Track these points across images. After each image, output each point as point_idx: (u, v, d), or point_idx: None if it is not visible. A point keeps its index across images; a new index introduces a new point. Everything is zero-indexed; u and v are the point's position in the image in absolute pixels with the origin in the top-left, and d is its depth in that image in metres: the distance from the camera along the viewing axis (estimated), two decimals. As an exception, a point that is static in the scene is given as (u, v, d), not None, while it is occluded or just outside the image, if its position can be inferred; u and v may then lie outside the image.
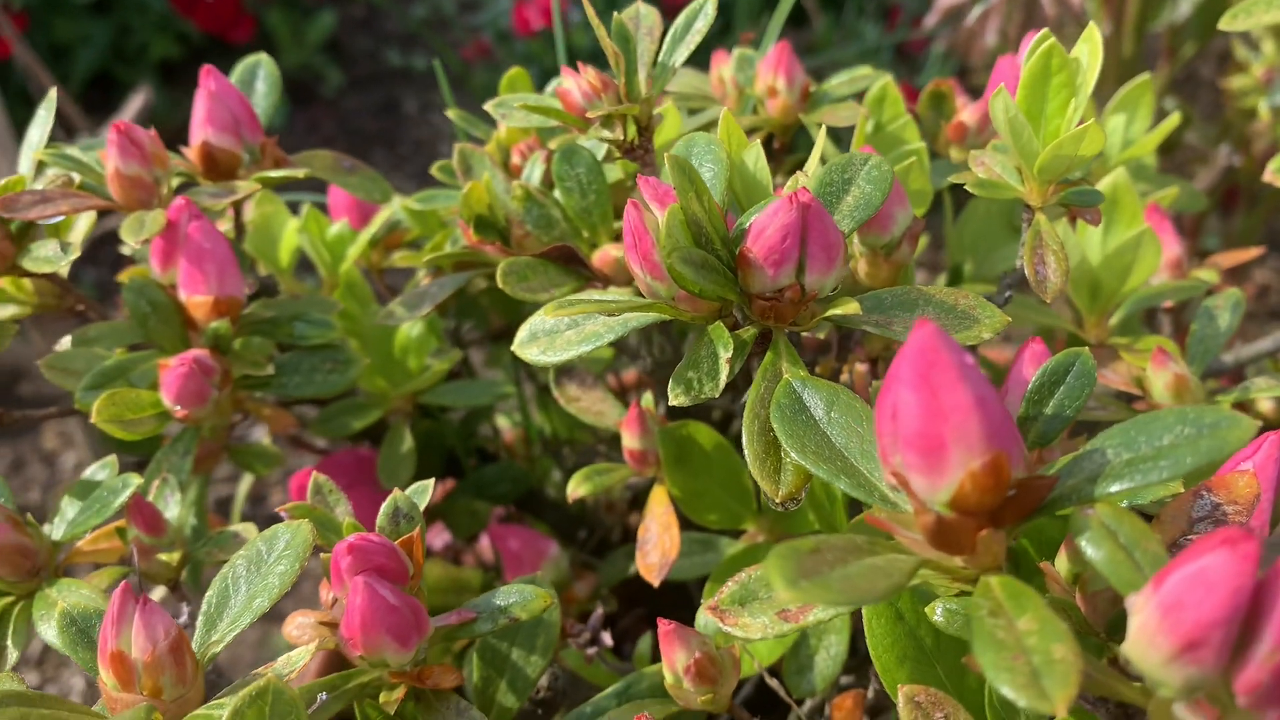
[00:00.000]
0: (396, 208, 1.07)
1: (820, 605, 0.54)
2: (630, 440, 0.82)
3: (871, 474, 0.58)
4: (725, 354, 0.63)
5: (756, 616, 0.55)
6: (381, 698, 0.64)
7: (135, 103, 2.06)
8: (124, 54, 3.13)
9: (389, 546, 0.64)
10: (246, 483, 1.18)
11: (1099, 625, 0.58)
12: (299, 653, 0.61)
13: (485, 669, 0.73)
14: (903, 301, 0.66)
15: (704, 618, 0.73)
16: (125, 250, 0.92)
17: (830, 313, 0.64)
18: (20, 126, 2.21)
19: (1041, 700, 0.43)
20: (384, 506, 0.69)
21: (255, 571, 0.64)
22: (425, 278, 1.05)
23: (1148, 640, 0.44)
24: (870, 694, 0.78)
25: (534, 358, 0.73)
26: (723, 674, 0.68)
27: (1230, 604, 0.41)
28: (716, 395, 0.63)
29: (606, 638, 0.84)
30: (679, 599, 1.14)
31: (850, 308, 0.63)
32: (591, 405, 0.87)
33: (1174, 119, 1.00)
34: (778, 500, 0.60)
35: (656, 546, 0.80)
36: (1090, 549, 0.48)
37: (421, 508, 0.70)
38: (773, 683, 0.78)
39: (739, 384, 1.05)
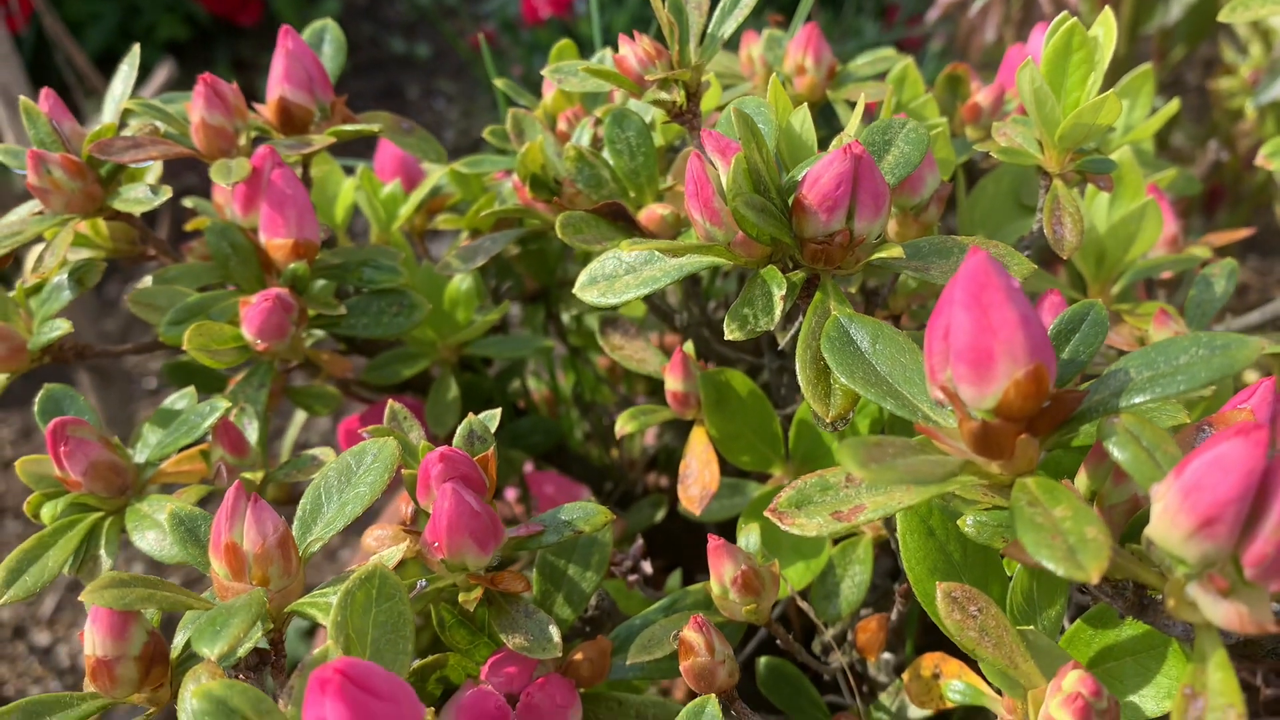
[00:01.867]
0: (439, 175, 1.13)
1: (871, 507, 0.61)
2: (674, 383, 0.88)
3: (914, 397, 0.65)
4: (779, 292, 0.70)
5: (812, 517, 0.62)
6: (461, 598, 0.70)
7: (159, 77, 2.11)
8: (132, 34, 3.17)
9: (471, 459, 0.71)
10: (296, 426, 1.24)
11: (1116, 534, 0.64)
12: (392, 551, 0.67)
13: (544, 583, 0.79)
14: (939, 249, 0.72)
15: (742, 539, 0.79)
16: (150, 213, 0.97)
17: (876, 256, 0.70)
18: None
19: (1077, 570, 0.50)
20: (460, 429, 0.76)
21: (346, 481, 0.70)
22: (465, 241, 1.12)
23: (1170, 521, 0.51)
24: (893, 616, 0.85)
25: (594, 299, 0.79)
26: (765, 587, 0.75)
27: (1243, 484, 0.48)
28: (771, 328, 0.69)
29: (646, 566, 0.90)
30: (700, 548, 1.21)
31: (894, 251, 0.70)
32: (635, 353, 0.93)
33: (1174, 105, 1.08)
34: (828, 420, 0.67)
35: (697, 480, 0.87)
36: (1117, 451, 0.55)
37: (492, 430, 0.76)
38: (804, 605, 0.84)
39: (762, 344, 1.12)
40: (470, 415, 0.77)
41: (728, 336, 0.72)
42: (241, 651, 0.63)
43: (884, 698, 0.87)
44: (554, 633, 0.71)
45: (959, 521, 0.68)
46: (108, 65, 3.21)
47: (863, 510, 0.61)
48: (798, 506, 0.62)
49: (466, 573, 0.71)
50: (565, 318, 1.27)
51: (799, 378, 0.68)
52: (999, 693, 0.76)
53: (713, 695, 0.64)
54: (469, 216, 1.09)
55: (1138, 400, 0.56)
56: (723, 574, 0.74)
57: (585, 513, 0.74)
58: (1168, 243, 1.09)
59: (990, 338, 0.54)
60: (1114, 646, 0.67)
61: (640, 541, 0.90)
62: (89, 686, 0.65)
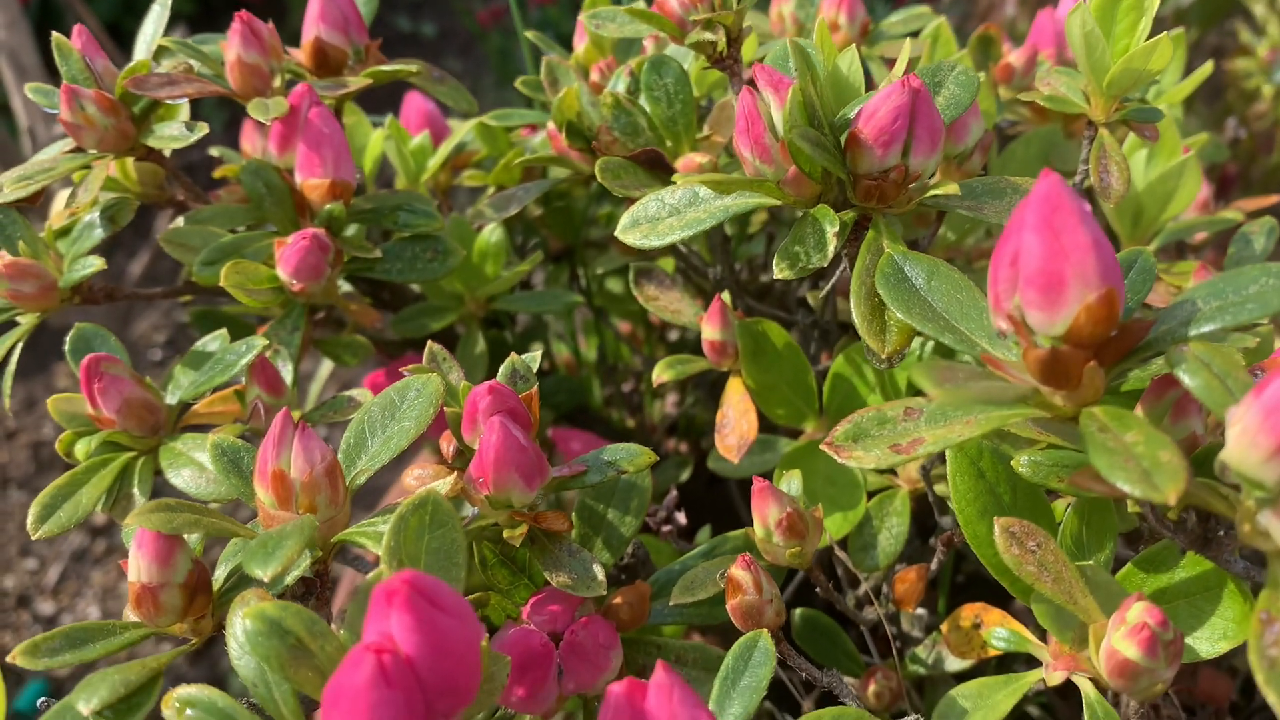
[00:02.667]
0: (468, 128, 1.12)
1: (930, 440, 0.60)
2: (711, 332, 0.87)
3: (972, 332, 0.64)
4: (832, 229, 0.69)
5: (870, 450, 0.61)
6: (505, 533, 0.69)
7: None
8: (135, 8, 3.14)
9: (517, 396, 0.70)
10: (319, 383, 1.23)
11: (1173, 471, 0.64)
12: (440, 483, 0.66)
13: (583, 526, 0.78)
14: (993, 190, 0.72)
15: (783, 486, 0.79)
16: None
17: (931, 194, 0.70)
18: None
19: (1154, 491, 0.49)
20: (502, 368, 0.75)
21: (390, 416, 0.69)
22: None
23: (1249, 443, 0.50)
24: (933, 566, 0.84)
25: (636, 242, 0.78)
26: (809, 530, 0.74)
27: (1328, 402, 0.48)
28: (824, 265, 0.69)
29: (680, 517, 0.89)
30: (725, 508, 1.21)
31: (950, 188, 0.69)
32: (669, 304, 0.93)
33: (1207, 68, 1.07)
34: (884, 356, 0.66)
35: (734, 430, 0.86)
36: (1187, 378, 0.54)
37: (534, 370, 0.76)
38: (841, 555, 0.84)
39: (791, 303, 1.11)
40: (513, 355, 0.76)
41: (777, 275, 0.71)
42: (289, 579, 0.62)
43: (919, 650, 0.87)
44: (598, 571, 0.71)
45: (1013, 462, 0.67)
46: (113, 39, 3.19)
47: (922, 443, 0.60)
48: (854, 440, 0.62)
49: (511, 509, 0.70)
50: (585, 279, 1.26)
51: (854, 314, 0.67)
52: (1043, 641, 0.76)
53: (764, 629, 0.63)
54: (495, 172, 1.08)
55: (1207, 329, 0.55)
56: (767, 516, 0.73)
57: (629, 453, 0.73)
58: (1199, 207, 1.09)
59: (1062, 261, 0.54)
60: (1167, 589, 0.66)
61: (674, 492, 0.90)
62: (130, 615, 0.64)
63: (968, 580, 1.07)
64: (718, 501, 1.22)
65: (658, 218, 0.78)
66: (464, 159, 1.15)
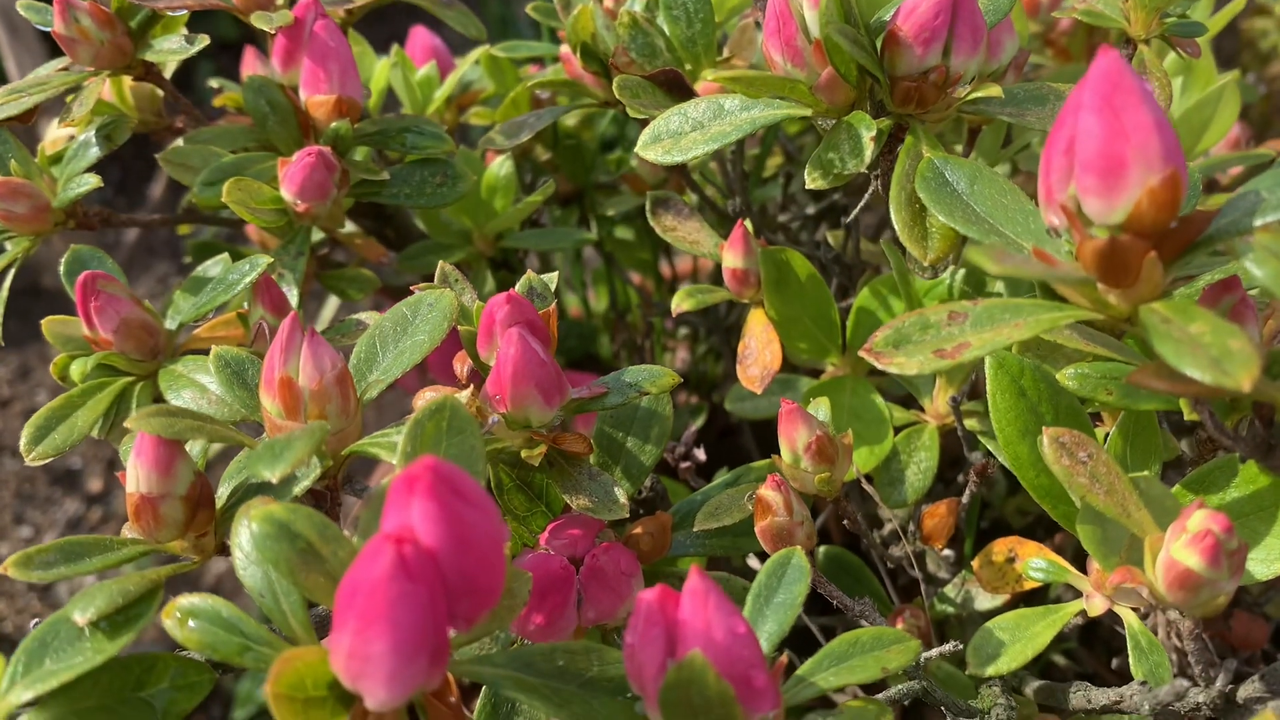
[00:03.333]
0: (473, 61, 1.09)
1: (977, 344, 0.57)
2: (733, 259, 0.84)
3: (1018, 236, 0.61)
4: (869, 133, 0.66)
5: (913, 355, 0.57)
6: (524, 453, 0.66)
7: None
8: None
9: (535, 309, 0.66)
10: (329, 314, 1.19)
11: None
12: (461, 394, 0.63)
13: (601, 456, 0.75)
14: (1035, 96, 0.68)
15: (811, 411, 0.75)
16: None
17: (973, 96, 0.66)
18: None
19: (1225, 377, 0.46)
20: (519, 284, 0.71)
21: (402, 331, 0.66)
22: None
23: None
24: (964, 499, 0.81)
25: (658, 158, 0.75)
26: (839, 455, 0.71)
27: None
28: (861, 170, 0.65)
29: (700, 453, 0.86)
30: (741, 459, 1.17)
31: (992, 90, 0.66)
32: (688, 234, 0.89)
33: (1240, 1, 1.04)
34: (926, 263, 0.63)
35: (757, 360, 0.83)
36: (1255, 268, 0.51)
37: (552, 288, 0.72)
38: (869, 488, 0.81)
39: (801, 238, 1.08)
40: (530, 272, 0.72)
41: (809, 185, 0.68)
42: (298, 490, 0.58)
43: (948, 590, 0.84)
44: (619, 493, 0.67)
45: (1059, 375, 0.64)
46: None
47: (967, 347, 0.57)
48: (895, 346, 0.58)
49: (529, 430, 0.67)
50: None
51: (894, 221, 0.64)
52: (1082, 572, 0.73)
53: (797, 546, 0.60)
54: (503, 108, 1.05)
55: (1273, 218, 0.52)
56: (795, 440, 0.70)
57: (651, 374, 0.70)
58: (1230, 144, 1.06)
59: (1123, 142, 0.50)
60: (1219, 510, 0.63)
61: (693, 428, 0.86)
62: (129, 531, 0.60)
63: (992, 526, 1.04)
64: (731, 453, 1.18)
65: (680, 132, 0.74)
66: (470, 97, 1.11)
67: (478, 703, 0.69)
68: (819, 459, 0.70)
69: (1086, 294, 0.55)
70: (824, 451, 0.70)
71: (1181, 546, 0.54)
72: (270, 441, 0.54)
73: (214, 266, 0.79)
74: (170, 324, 0.78)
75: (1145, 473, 0.58)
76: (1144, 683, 0.61)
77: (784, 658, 0.55)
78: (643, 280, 1.33)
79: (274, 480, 0.51)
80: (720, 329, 1.15)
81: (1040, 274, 0.48)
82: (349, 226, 0.98)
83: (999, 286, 0.83)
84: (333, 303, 1.22)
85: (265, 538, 0.49)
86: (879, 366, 0.58)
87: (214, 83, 1.01)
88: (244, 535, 0.54)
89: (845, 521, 0.78)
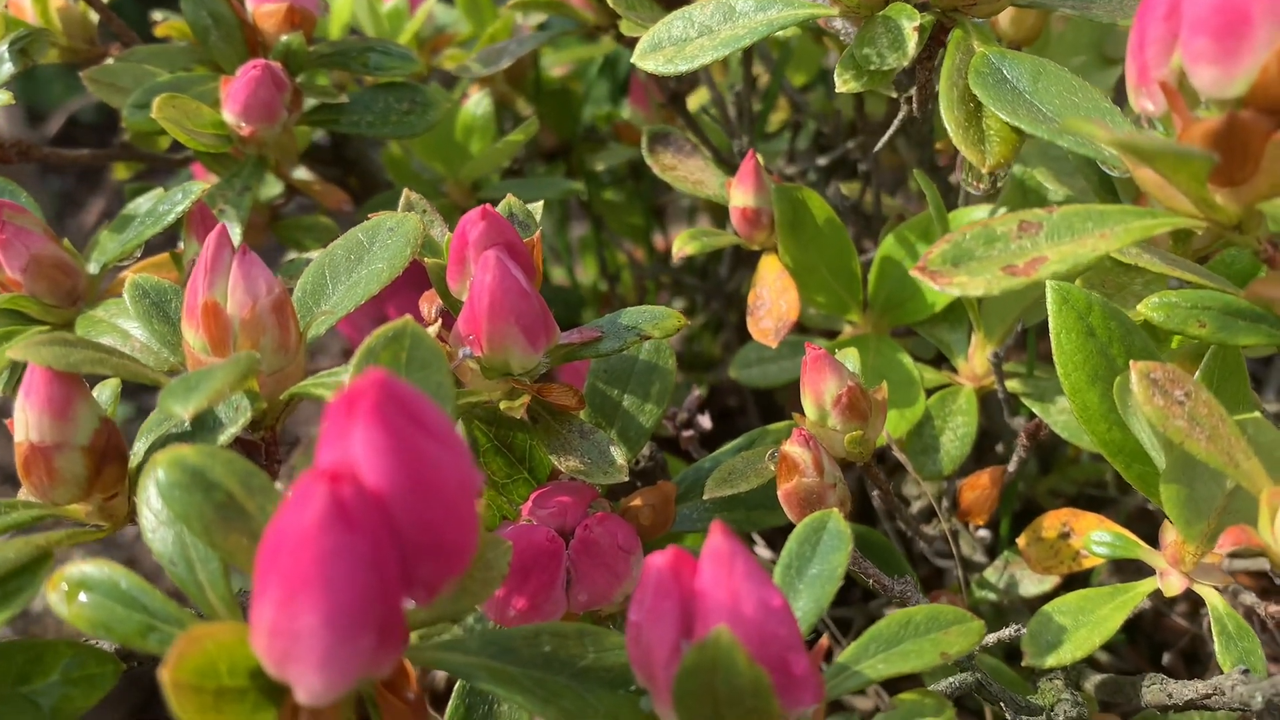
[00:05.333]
0: None
1: (1055, 258, 0.47)
2: (743, 196, 0.74)
3: (1091, 134, 0.51)
4: (911, 24, 0.56)
5: (976, 274, 0.47)
6: (503, 404, 0.56)
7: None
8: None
9: (516, 231, 0.56)
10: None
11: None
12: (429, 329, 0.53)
13: (594, 416, 0.65)
14: (1099, -14, 0.59)
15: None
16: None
17: (1030, -19, 0.56)
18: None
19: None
20: (499, 208, 0.61)
21: (358, 260, 0.56)
22: (473, 88, 0.97)
23: None
24: (1011, 466, 0.71)
25: (658, 68, 0.65)
26: (872, 412, 0.61)
27: None
28: (903, 65, 0.55)
29: (704, 420, 0.76)
30: (737, 430, 1.07)
31: (1054, -27, 0.56)
32: (690, 173, 0.79)
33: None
34: (985, 169, 0.53)
35: (771, 311, 0.72)
36: None
37: (538, 219, 0.62)
38: (901, 456, 0.70)
39: (818, 179, 0.97)
40: (510, 196, 0.62)
41: (840, 89, 0.57)
42: (224, 437, 0.48)
43: (989, 574, 0.73)
44: (616, 454, 0.57)
45: (1141, 305, 0.54)
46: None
47: (1043, 262, 0.47)
48: (955, 263, 0.48)
49: (509, 377, 0.56)
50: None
51: (945, 122, 0.54)
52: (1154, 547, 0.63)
53: (834, 509, 0.49)
54: (481, 43, 0.95)
55: None
56: (822, 393, 0.60)
57: (652, 315, 0.60)
58: None
59: (1248, -7, 0.40)
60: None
61: (697, 391, 0.76)
62: (22, 493, 0.49)
63: (1024, 509, 0.94)
64: (730, 425, 1.08)
65: (684, 39, 0.64)
66: (444, 40, 1.01)
67: (450, 703, 0.58)
68: (850, 415, 0.60)
69: (1191, 190, 0.45)
70: (855, 406, 0.60)
71: (1313, 497, 0.43)
72: (185, 376, 0.44)
73: (145, 201, 0.69)
74: (93, 267, 0.67)
75: (1255, 414, 0.48)
76: (1246, 671, 0.51)
77: (824, 640, 0.44)
78: (634, 250, 1.23)
79: (185, 416, 0.41)
80: (721, 295, 1.04)
81: (1158, 149, 0.38)
82: (307, 174, 0.88)
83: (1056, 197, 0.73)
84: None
85: (175, 487, 0.39)
86: (936, 287, 0.47)
87: (157, 15, 0.90)
88: (152, 490, 0.43)
89: (876, 492, 0.68)
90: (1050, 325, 0.57)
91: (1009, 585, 0.72)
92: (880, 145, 0.72)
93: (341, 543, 0.33)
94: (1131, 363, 0.48)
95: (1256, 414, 0.48)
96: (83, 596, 0.41)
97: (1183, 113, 0.44)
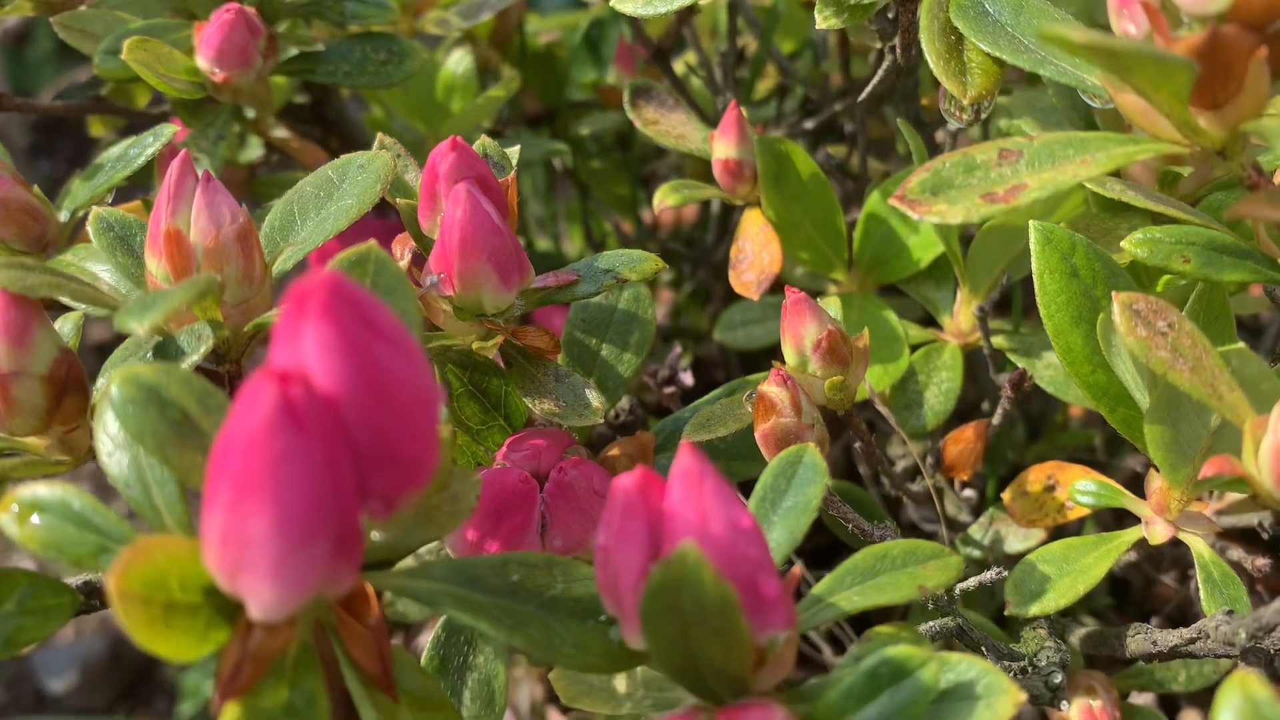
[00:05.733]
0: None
1: (1035, 185, 0.46)
2: (725, 148, 0.73)
3: (1076, 69, 0.50)
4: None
5: (955, 202, 0.47)
6: (475, 345, 0.55)
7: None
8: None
9: (488, 167, 0.55)
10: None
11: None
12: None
13: (572, 366, 0.64)
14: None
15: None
16: None
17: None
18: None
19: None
20: (474, 146, 0.60)
21: (327, 196, 0.55)
22: (455, 47, 0.96)
23: None
24: (996, 419, 0.70)
25: (636, 10, 0.64)
26: (853, 358, 0.60)
27: None
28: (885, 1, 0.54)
29: (686, 378, 0.75)
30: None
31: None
32: (672, 128, 0.78)
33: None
34: (966, 100, 0.52)
35: (753, 265, 0.71)
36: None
37: (513, 162, 0.61)
38: (884, 410, 0.69)
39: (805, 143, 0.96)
40: (485, 138, 0.61)
41: (820, 25, 0.57)
42: (185, 366, 0.47)
43: (973, 531, 0.72)
44: (592, 396, 0.56)
45: (1125, 242, 0.53)
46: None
47: (1023, 189, 0.46)
48: (934, 191, 0.47)
49: (483, 318, 0.55)
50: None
51: (926, 55, 0.53)
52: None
53: (810, 444, 0.49)
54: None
55: None
56: (802, 337, 0.59)
57: (629, 259, 0.59)
58: None
59: (1231, -99, 0.40)
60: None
61: (679, 349, 0.75)
62: (-16, 430, 0.48)
63: (1011, 474, 0.93)
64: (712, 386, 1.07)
65: (664, -20, 0.63)
66: (427, 2, 1.00)
67: (425, 652, 0.58)
68: (830, 360, 0.59)
69: (1174, 111, 0.44)
70: (836, 350, 0.59)
71: (1298, 428, 0.42)
72: (142, 295, 0.43)
73: (116, 149, 0.67)
74: (63, 215, 0.66)
75: (1239, 345, 0.47)
76: (1230, 612, 0.50)
77: (797, 569, 0.43)
78: (621, 221, 1.22)
79: (141, 332, 0.40)
80: (707, 263, 1.03)
81: (1133, 50, 0.37)
82: (286, 134, 0.87)
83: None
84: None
85: (129, 403, 0.38)
86: (915, 215, 0.47)
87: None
88: (109, 414, 0.42)
89: (858, 444, 0.67)
90: (1034, 267, 0.56)
91: (994, 542, 0.71)
92: (866, 94, 0.71)
93: (292, 444, 0.32)
94: (1114, 294, 0.47)
95: (1240, 345, 0.47)
96: (35, 519, 0.40)
97: (1164, 31, 0.43)
